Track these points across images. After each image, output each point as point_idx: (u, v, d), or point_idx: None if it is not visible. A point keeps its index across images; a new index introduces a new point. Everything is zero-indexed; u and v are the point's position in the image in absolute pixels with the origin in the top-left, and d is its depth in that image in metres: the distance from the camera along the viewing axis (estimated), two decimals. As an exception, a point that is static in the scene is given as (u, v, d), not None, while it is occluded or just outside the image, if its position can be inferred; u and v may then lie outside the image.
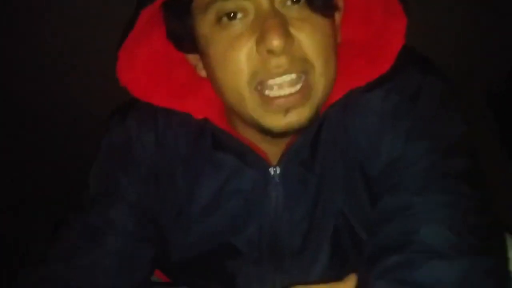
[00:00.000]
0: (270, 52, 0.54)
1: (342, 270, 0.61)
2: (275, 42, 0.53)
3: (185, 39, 0.62)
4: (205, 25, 0.59)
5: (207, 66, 0.62)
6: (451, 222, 0.53)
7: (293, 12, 0.56)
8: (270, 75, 0.56)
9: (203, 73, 0.65)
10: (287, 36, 0.54)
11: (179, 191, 0.68)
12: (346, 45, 0.64)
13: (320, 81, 0.57)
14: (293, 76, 0.56)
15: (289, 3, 0.56)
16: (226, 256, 0.67)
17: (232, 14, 0.56)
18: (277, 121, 0.57)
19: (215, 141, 0.67)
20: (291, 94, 0.56)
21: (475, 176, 0.58)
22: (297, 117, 0.56)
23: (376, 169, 0.61)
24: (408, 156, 0.58)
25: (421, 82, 0.62)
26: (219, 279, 0.68)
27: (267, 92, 0.56)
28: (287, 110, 0.56)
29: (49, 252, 0.66)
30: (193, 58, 0.65)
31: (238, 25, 0.57)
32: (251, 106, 0.57)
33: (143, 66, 0.64)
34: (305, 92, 0.56)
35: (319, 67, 0.57)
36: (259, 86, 0.56)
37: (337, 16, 0.63)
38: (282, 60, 0.55)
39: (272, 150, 0.65)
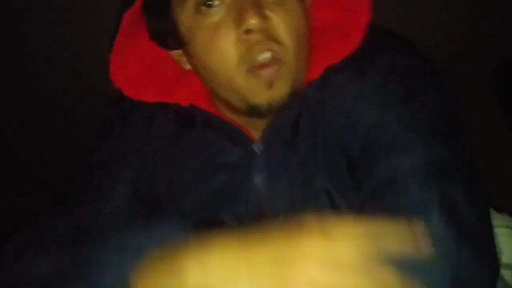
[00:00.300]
0: (249, 31, 0.58)
1: None
2: (252, 21, 0.57)
3: (168, 35, 0.65)
4: (185, 15, 0.62)
5: (191, 57, 0.65)
6: (424, 171, 0.54)
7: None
8: (254, 54, 0.59)
9: (187, 66, 0.68)
10: (263, 15, 0.58)
11: (170, 168, 0.71)
12: (319, 26, 0.67)
13: (293, 61, 0.60)
14: (271, 53, 0.59)
15: None
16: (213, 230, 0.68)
17: (209, 2, 0.59)
18: (263, 95, 0.60)
19: (203, 122, 0.70)
20: (271, 67, 0.59)
21: (453, 137, 0.59)
22: (279, 91, 0.60)
23: (355, 147, 0.62)
24: (382, 123, 0.59)
25: (396, 59, 0.63)
26: None
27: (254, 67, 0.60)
28: (270, 85, 0.60)
29: (55, 208, 0.67)
30: (176, 54, 0.68)
31: (216, 12, 0.60)
32: (240, 84, 0.61)
33: (133, 68, 0.68)
34: (281, 67, 0.60)
35: (292, 48, 0.60)
36: (249, 68, 0.60)
37: None
38: (260, 36, 0.58)
39: (255, 133, 0.68)
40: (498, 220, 0.64)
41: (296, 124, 0.66)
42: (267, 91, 0.59)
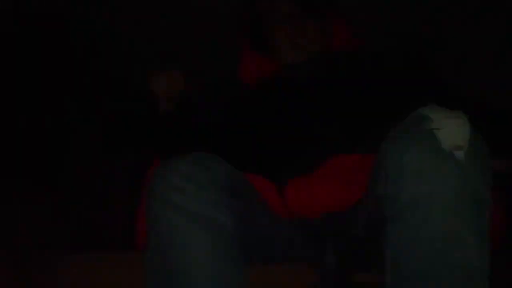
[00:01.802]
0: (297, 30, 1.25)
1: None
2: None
3: (262, 43, 1.31)
4: (269, 27, 1.28)
5: (270, 48, 1.29)
6: None
7: (303, 16, 1.26)
8: (295, 39, 1.25)
9: (267, 54, 1.31)
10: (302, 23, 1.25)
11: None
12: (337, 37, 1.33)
13: (313, 43, 1.26)
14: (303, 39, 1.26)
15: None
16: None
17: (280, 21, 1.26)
18: (292, 55, 1.26)
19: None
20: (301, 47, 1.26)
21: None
22: (305, 52, 1.25)
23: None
24: None
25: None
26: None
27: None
28: (302, 49, 1.25)
29: None
30: (262, 53, 1.32)
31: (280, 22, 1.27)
32: (287, 52, 1.27)
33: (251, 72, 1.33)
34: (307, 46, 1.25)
35: (313, 37, 1.25)
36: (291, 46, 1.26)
37: (327, 22, 1.30)
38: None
39: None
40: (451, 113, 0.82)
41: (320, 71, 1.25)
42: (301, 52, 1.24)
